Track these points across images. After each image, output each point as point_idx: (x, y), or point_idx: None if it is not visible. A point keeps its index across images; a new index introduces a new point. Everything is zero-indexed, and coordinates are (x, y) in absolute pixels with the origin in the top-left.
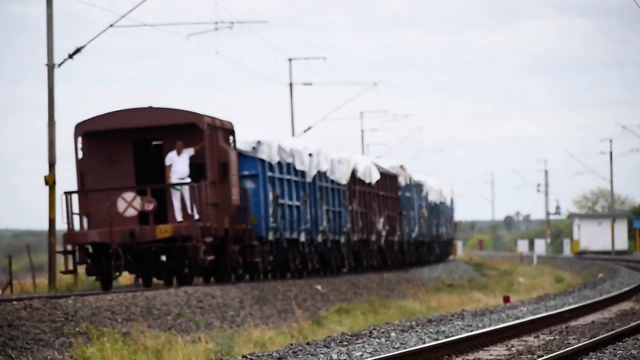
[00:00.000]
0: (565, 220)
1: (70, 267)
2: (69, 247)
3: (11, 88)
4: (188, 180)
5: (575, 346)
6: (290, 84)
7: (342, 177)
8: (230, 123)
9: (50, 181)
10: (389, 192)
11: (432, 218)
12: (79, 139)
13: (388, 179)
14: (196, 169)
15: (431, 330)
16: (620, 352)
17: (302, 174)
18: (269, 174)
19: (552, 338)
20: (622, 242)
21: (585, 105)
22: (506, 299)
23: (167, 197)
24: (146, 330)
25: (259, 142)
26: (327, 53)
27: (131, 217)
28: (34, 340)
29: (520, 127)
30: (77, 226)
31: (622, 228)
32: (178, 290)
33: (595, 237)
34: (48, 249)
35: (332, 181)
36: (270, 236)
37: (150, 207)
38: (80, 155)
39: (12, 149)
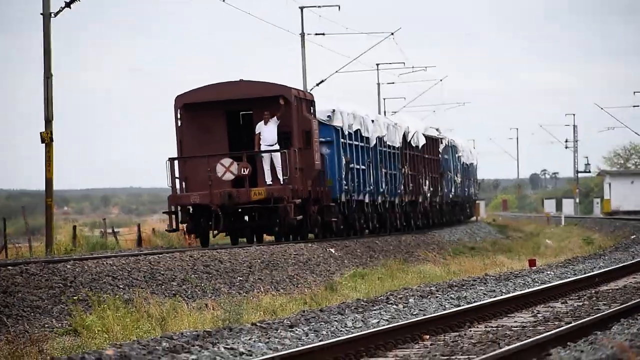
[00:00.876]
0: (595, 178)
1: (174, 226)
2: (172, 208)
3: (10, 40)
4: (276, 147)
5: (606, 312)
6: (302, 34)
7: (397, 142)
8: (312, 94)
9: (46, 138)
10: (433, 154)
11: (465, 179)
12: (179, 110)
13: (431, 142)
14: (283, 137)
15: (452, 295)
16: None
17: (367, 139)
18: (342, 140)
19: (580, 304)
20: None
21: (617, 54)
22: (532, 263)
23: (258, 163)
24: (150, 296)
25: (333, 111)
26: (341, 1)
27: (228, 180)
28: (30, 308)
29: (547, 78)
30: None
31: None
32: (183, 255)
33: (627, 196)
34: (45, 210)
35: (389, 145)
36: (343, 198)
37: (246, 171)
38: (179, 124)
39: (8, 105)
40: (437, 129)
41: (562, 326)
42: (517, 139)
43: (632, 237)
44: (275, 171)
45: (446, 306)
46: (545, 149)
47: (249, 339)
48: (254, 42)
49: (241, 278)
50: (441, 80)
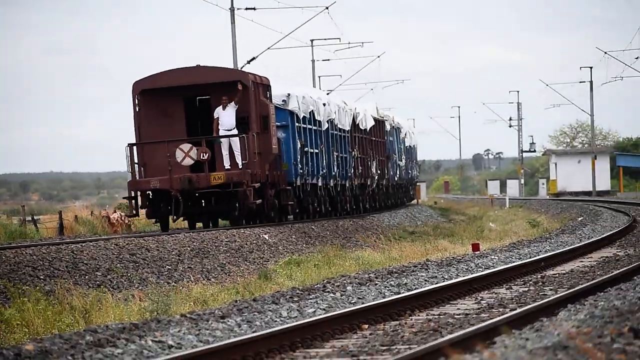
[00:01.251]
0: (540, 158)
1: (133, 211)
2: (132, 194)
3: None
4: (235, 131)
5: (552, 297)
6: (232, 9)
7: (347, 124)
8: (267, 79)
9: None
10: (379, 137)
11: (408, 161)
12: (137, 96)
13: (378, 124)
14: (241, 121)
15: (392, 283)
16: (602, 303)
17: (319, 123)
18: (297, 124)
19: (526, 289)
20: (604, 182)
21: (562, 28)
22: (475, 247)
23: (216, 147)
24: (72, 287)
25: (288, 95)
26: None
27: (187, 165)
28: None
29: (490, 54)
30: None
31: (604, 166)
32: (108, 243)
33: (574, 176)
34: None
35: (339, 129)
36: (298, 181)
37: (205, 156)
38: (137, 110)
39: None
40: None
41: (506, 313)
42: (459, 117)
43: (579, 219)
44: (234, 156)
45: (386, 294)
46: (488, 128)
47: (178, 331)
48: (183, 17)
49: (170, 267)
50: (379, 56)
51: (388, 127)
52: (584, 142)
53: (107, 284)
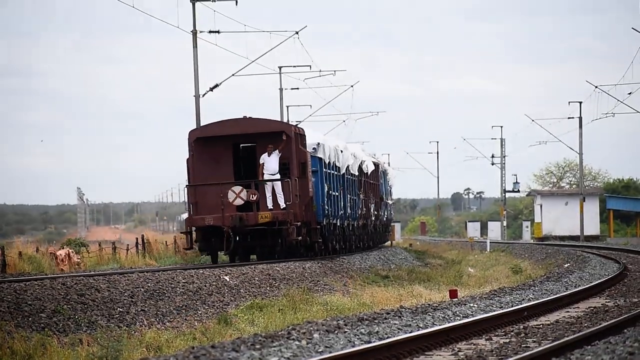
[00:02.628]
0: (524, 199)
1: (188, 245)
2: (189, 229)
3: None
4: (277, 176)
5: (535, 350)
6: (194, 32)
7: (356, 169)
8: (303, 129)
9: None
10: (376, 180)
11: (388, 200)
12: (192, 143)
13: (374, 167)
14: (282, 167)
15: (362, 330)
16: (589, 357)
17: (339, 168)
18: (325, 170)
19: (507, 340)
20: (593, 226)
21: (550, 60)
22: (453, 294)
23: (260, 189)
24: (14, 330)
25: (318, 144)
26: None
27: (237, 205)
28: None
29: (471, 86)
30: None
31: (593, 209)
32: (54, 282)
33: (560, 219)
34: None
35: (351, 173)
36: (324, 221)
37: (254, 197)
38: (191, 154)
39: None
40: (374, 155)
41: None
42: (438, 153)
43: (566, 265)
44: (276, 197)
45: (355, 342)
46: (468, 166)
47: None
48: (142, 37)
49: (121, 309)
50: (352, 86)
51: (380, 170)
52: (572, 182)
53: (53, 327)
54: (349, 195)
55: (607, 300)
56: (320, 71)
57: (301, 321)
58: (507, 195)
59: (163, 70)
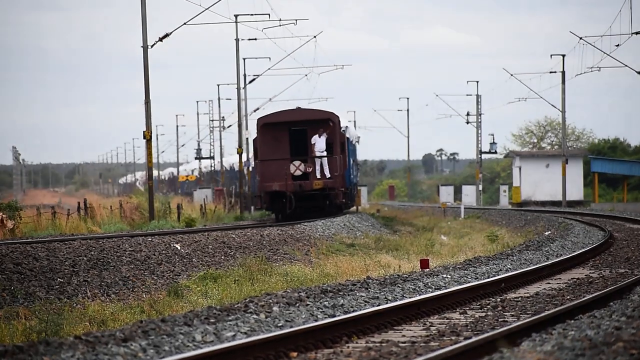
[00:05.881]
0: (502, 160)
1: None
2: (259, 193)
3: None
4: (324, 153)
5: (514, 325)
6: None
7: (355, 139)
8: (339, 116)
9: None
10: (353, 145)
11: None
12: (260, 128)
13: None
14: (328, 147)
15: (326, 303)
16: (572, 332)
17: (351, 143)
18: (350, 147)
19: (483, 314)
20: (576, 190)
21: (531, 9)
22: (424, 264)
23: (311, 163)
24: None
25: (347, 127)
26: None
27: (296, 175)
28: None
29: (444, 37)
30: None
31: (576, 171)
32: None
33: (541, 183)
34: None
35: (353, 143)
36: (349, 186)
37: (310, 169)
38: (257, 136)
39: None
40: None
41: (460, 342)
42: (408, 111)
43: (546, 233)
44: (323, 170)
45: (319, 316)
46: (441, 124)
47: (72, 356)
48: None
49: (62, 280)
50: (315, 37)
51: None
52: (554, 143)
53: None
54: (353, 164)
55: (591, 271)
56: (280, 20)
57: (259, 293)
58: (483, 156)
59: (107, 19)
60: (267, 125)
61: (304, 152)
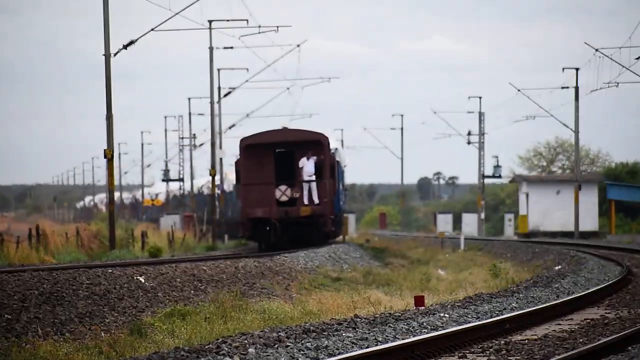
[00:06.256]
0: (507, 186)
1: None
2: (241, 220)
3: None
4: (313, 177)
5: None
6: None
7: (344, 162)
8: (328, 137)
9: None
10: (342, 168)
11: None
12: (242, 149)
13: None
14: (316, 170)
15: (308, 345)
16: None
17: (340, 166)
18: (340, 170)
19: (485, 359)
20: (590, 220)
21: (541, 17)
22: (419, 301)
23: (299, 188)
24: None
25: (336, 149)
26: None
27: (281, 201)
28: None
29: (442, 47)
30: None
31: (590, 199)
32: None
33: (551, 211)
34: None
35: (341, 166)
36: (338, 213)
37: (297, 195)
38: (240, 158)
39: None
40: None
41: None
42: (402, 129)
43: (557, 268)
44: (311, 194)
45: (299, 359)
46: (440, 145)
47: None
48: None
49: (9, 316)
50: (298, 46)
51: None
52: (565, 166)
53: None
54: (341, 188)
55: (606, 311)
56: (259, 27)
57: (233, 332)
58: (486, 181)
59: (64, 22)
60: (251, 146)
61: (290, 175)
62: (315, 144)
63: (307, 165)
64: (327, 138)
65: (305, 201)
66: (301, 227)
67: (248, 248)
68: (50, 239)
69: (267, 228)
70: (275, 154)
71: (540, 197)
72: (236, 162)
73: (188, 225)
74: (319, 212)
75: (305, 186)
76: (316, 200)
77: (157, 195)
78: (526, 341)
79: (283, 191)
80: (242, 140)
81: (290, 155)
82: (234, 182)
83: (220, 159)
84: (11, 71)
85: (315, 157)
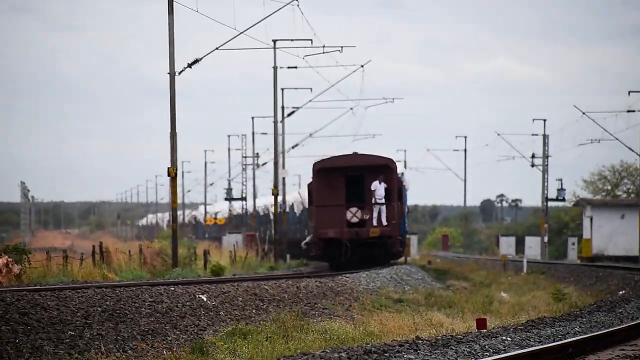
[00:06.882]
0: (571, 209)
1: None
2: (313, 240)
3: None
4: (383, 200)
5: None
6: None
7: (408, 185)
8: (396, 162)
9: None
10: (406, 191)
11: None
12: (315, 173)
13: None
14: (386, 192)
15: None
16: None
17: (405, 189)
18: (406, 193)
19: None
20: None
21: (604, 38)
22: (481, 324)
23: (368, 210)
24: None
25: (402, 173)
26: None
27: (353, 222)
28: None
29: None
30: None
31: None
32: None
33: (615, 235)
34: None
35: (406, 189)
36: (403, 234)
37: (367, 217)
38: (313, 181)
39: None
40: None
41: None
42: (465, 151)
43: (621, 292)
44: (380, 217)
45: None
46: (503, 167)
47: None
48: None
49: (73, 333)
50: (362, 66)
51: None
52: (630, 190)
53: None
54: (406, 211)
55: None
56: (323, 47)
57: (294, 352)
58: (550, 204)
59: (129, 41)
60: (323, 170)
61: (359, 198)
62: (382, 168)
63: (379, 189)
64: (394, 163)
65: (375, 223)
66: (370, 247)
67: (311, 267)
68: (113, 256)
69: (338, 248)
70: (346, 177)
71: (604, 221)
72: (309, 185)
73: (250, 244)
74: (387, 233)
75: (376, 208)
76: (384, 222)
77: (216, 214)
78: None
79: (354, 213)
80: (315, 164)
81: (360, 178)
82: (290, 201)
83: (283, 178)
84: (76, 89)
85: (385, 182)
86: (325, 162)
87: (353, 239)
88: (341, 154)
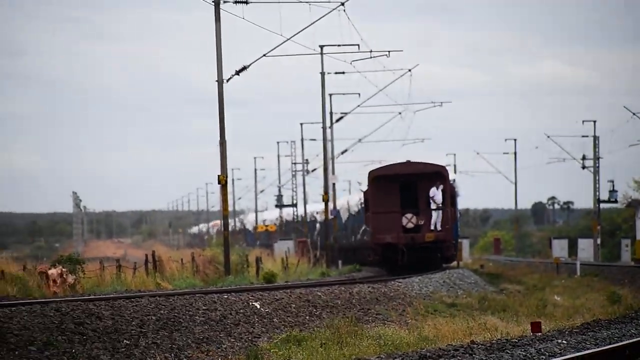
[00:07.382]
0: (623, 210)
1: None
2: (371, 246)
3: None
4: (442, 205)
5: None
6: (216, 3)
7: (459, 191)
8: (447, 169)
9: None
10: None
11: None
12: (371, 181)
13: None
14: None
15: None
16: None
17: (457, 194)
18: (458, 199)
19: None
20: None
21: None
22: (535, 327)
23: (423, 215)
24: None
25: (454, 180)
26: None
27: (409, 228)
28: None
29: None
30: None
31: None
32: (46, 308)
33: None
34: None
35: (457, 195)
36: (456, 238)
37: (422, 222)
38: (368, 188)
39: None
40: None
41: None
42: (515, 154)
43: None
44: (435, 221)
45: None
46: (554, 169)
47: None
48: (150, 10)
49: (128, 342)
50: (410, 70)
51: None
52: None
53: None
54: (458, 216)
55: None
56: (370, 52)
57: (349, 358)
58: (602, 206)
59: (177, 50)
60: (378, 178)
61: (413, 204)
62: (435, 175)
63: (437, 195)
64: (447, 170)
65: (430, 227)
66: (425, 251)
67: (363, 273)
68: (165, 265)
69: (395, 252)
70: (400, 184)
71: None
72: (365, 192)
73: (302, 250)
74: (442, 237)
75: (433, 213)
76: (439, 227)
77: (264, 221)
78: None
79: (409, 219)
80: (370, 173)
81: (414, 185)
82: (344, 207)
83: (333, 184)
84: (124, 99)
85: (442, 188)
86: (380, 170)
87: (409, 243)
88: (392, 160)
